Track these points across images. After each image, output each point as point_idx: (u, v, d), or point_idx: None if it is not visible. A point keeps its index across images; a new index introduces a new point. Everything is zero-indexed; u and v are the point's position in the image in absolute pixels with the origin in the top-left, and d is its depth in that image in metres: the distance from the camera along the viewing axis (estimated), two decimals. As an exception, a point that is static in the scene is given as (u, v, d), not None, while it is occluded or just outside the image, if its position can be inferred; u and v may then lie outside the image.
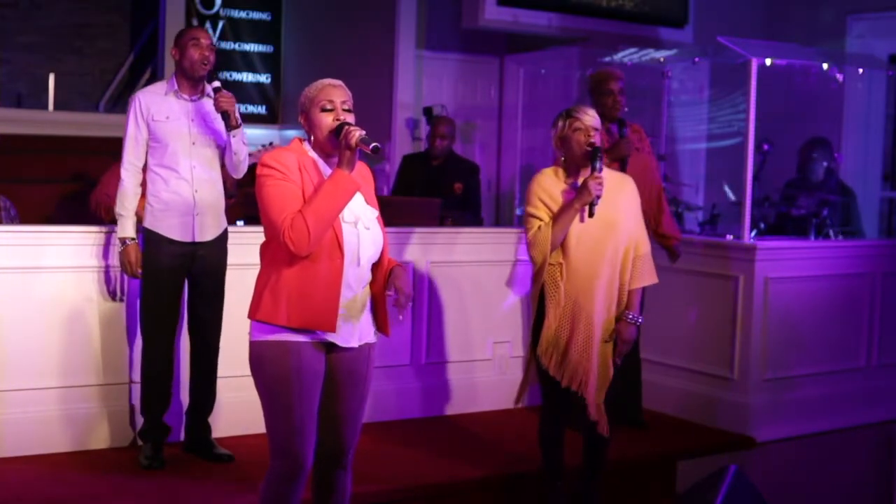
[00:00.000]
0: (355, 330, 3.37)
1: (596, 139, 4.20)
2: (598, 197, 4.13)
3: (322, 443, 3.43)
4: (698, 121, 8.33)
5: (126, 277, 4.76)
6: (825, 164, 6.80)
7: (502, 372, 5.94)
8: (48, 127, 7.97)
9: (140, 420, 4.78)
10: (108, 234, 4.86)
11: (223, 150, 4.66)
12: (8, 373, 4.68)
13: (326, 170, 3.35)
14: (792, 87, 7.12)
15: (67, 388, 4.81)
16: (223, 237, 4.73)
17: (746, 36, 7.26)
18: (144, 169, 4.62)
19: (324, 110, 3.32)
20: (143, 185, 4.63)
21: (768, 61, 5.90)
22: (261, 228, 3.37)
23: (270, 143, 6.00)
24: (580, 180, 4.23)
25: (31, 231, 4.79)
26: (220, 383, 4.87)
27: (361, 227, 3.32)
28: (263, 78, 9.63)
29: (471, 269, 5.80)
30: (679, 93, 7.75)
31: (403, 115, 8.39)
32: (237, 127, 4.57)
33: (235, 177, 4.78)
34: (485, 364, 5.90)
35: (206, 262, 4.67)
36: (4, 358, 4.67)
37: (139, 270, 4.58)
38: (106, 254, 4.86)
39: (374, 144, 3.20)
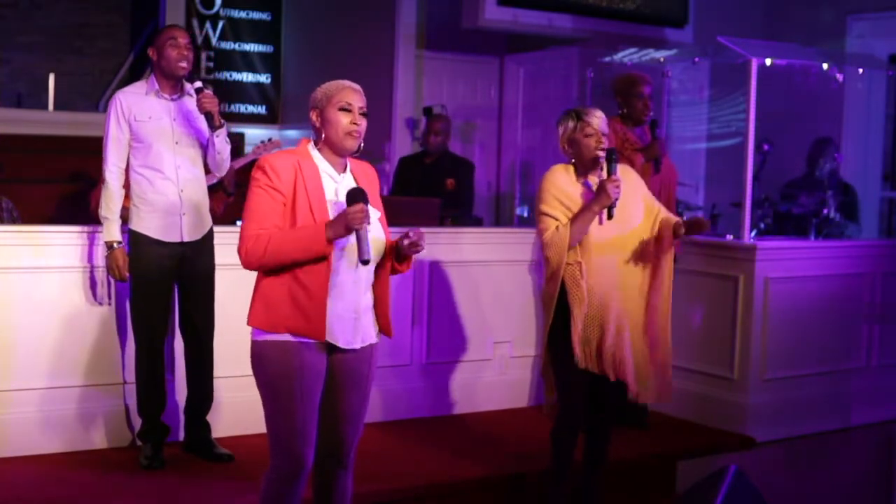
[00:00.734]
0: (358, 331, 3.37)
1: (605, 144, 4.21)
2: (617, 199, 4.15)
3: (323, 442, 3.43)
4: (698, 121, 8.33)
5: (113, 280, 4.74)
6: (832, 164, 6.81)
7: (503, 372, 5.94)
8: (48, 127, 7.97)
9: (136, 420, 4.78)
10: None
11: (206, 149, 4.64)
12: (8, 373, 4.68)
13: (326, 173, 3.35)
14: (792, 87, 7.11)
15: (67, 388, 4.82)
16: (209, 236, 4.72)
17: (746, 36, 7.26)
18: (127, 170, 4.60)
19: (342, 110, 3.32)
20: (126, 186, 4.60)
21: (768, 61, 5.90)
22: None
23: (270, 139, 5.98)
24: (591, 180, 4.25)
25: (32, 231, 4.79)
26: (219, 383, 4.87)
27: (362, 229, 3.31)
28: (263, 78, 9.63)
29: (471, 269, 5.80)
30: (679, 93, 7.74)
31: (403, 115, 8.39)
32: (220, 127, 4.56)
33: (218, 175, 4.77)
34: (485, 364, 5.90)
35: (195, 262, 4.66)
36: (5, 358, 4.67)
37: (126, 274, 4.57)
38: (101, 254, 4.84)
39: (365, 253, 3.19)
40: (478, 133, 9.09)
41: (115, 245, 4.55)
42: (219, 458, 4.76)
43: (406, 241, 3.34)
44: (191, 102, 4.63)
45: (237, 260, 4.80)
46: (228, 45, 9.45)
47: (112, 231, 4.55)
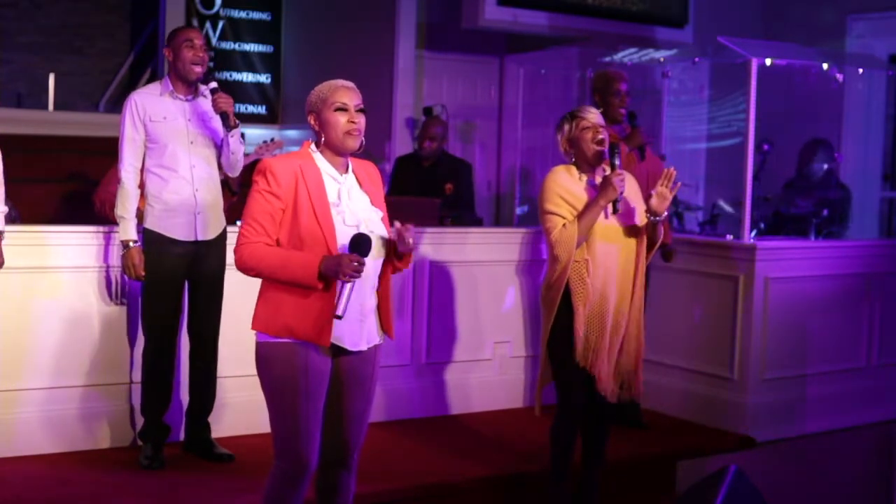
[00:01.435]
0: (363, 333, 3.37)
1: (604, 135, 4.23)
2: (622, 192, 4.17)
3: (326, 443, 3.43)
4: (698, 121, 8.32)
5: (126, 279, 4.75)
6: (825, 165, 6.80)
7: (502, 372, 5.95)
8: (48, 127, 7.97)
9: (140, 420, 4.78)
10: (110, 235, 4.86)
11: (220, 149, 4.67)
12: (9, 373, 4.68)
13: (333, 172, 3.35)
14: (792, 87, 7.12)
15: (68, 388, 4.82)
16: (223, 235, 4.74)
17: (746, 36, 7.27)
18: (141, 170, 4.62)
19: (337, 110, 3.32)
20: (141, 185, 4.63)
21: (768, 61, 5.90)
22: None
23: (272, 139, 5.98)
24: (595, 178, 4.27)
25: (32, 231, 4.79)
26: (221, 383, 4.87)
27: (364, 230, 3.31)
28: (263, 78, 9.63)
29: (471, 268, 5.80)
30: (679, 93, 7.74)
31: (403, 115, 8.39)
32: (235, 127, 4.58)
33: (231, 175, 4.79)
34: (485, 364, 5.90)
35: (208, 261, 4.67)
36: (6, 358, 4.67)
37: (142, 273, 4.58)
38: (107, 254, 4.86)
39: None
40: (478, 133, 9.09)
41: (130, 244, 4.57)
42: (219, 458, 4.76)
43: (395, 236, 3.32)
44: (205, 103, 4.65)
45: (237, 260, 4.84)
46: (228, 45, 9.45)
47: (128, 230, 4.57)
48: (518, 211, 8.68)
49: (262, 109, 9.60)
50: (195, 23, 9.16)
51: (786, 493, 5.67)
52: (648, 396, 5.84)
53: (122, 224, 4.57)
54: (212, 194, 4.66)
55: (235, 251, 3.29)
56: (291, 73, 9.60)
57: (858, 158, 8.13)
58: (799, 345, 5.92)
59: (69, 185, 7.15)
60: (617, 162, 4.23)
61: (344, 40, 8.84)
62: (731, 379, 5.79)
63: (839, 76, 6.67)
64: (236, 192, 5.23)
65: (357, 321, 3.33)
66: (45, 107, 8.74)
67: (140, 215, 4.62)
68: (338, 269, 3.16)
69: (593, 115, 4.28)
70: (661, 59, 7.14)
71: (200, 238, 4.63)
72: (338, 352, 3.36)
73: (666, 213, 4.27)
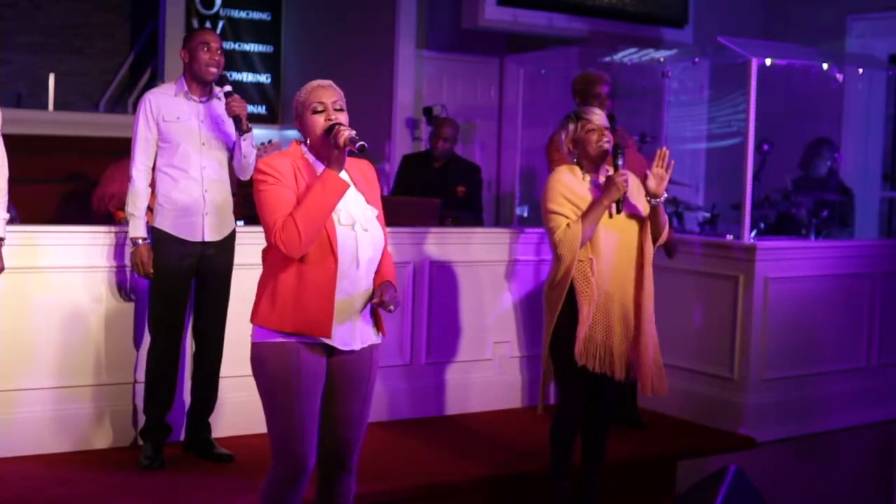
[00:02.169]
0: (356, 332, 3.36)
1: (609, 138, 4.26)
2: (626, 192, 4.18)
3: (325, 445, 3.43)
4: (698, 121, 8.32)
5: (136, 277, 4.76)
6: (828, 163, 6.81)
7: (502, 372, 5.94)
8: (48, 127, 7.98)
9: (142, 419, 4.78)
10: (110, 235, 4.87)
11: (231, 152, 4.68)
12: (9, 373, 4.68)
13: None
14: (792, 87, 7.11)
15: (68, 388, 4.82)
16: (231, 237, 4.75)
17: (746, 36, 7.26)
18: (152, 169, 4.64)
19: (315, 112, 3.33)
20: (151, 184, 4.65)
21: (768, 61, 5.90)
22: (259, 229, 3.38)
23: (270, 141, 5.99)
24: (598, 178, 4.28)
25: (32, 231, 4.80)
26: (221, 383, 4.87)
27: (359, 229, 3.31)
28: (263, 78, 9.64)
29: (471, 269, 5.80)
30: (679, 93, 7.74)
31: (403, 115, 8.39)
32: (248, 131, 4.59)
33: (243, 178, 4.79)
34: (485, 364, 5.90)
35: (214, 262, 4.68)
36: (5, 358, 4.67)
37: (151, 270, 4.59)
38: (107, 254, 4.86)
39: (360, 143, 3.21)
40: (478, 133, 9.09)
41: (140, 241, 4.58)
42: (219, 458, 4.76)
43: (376, 300, 3.32)
44: (219, 106, 4.67)
45: (239, 260, 4.85)
46: (228, 45, 9.45)
47: (138, 227, 4.58)
48: (518, 211, 8.68)
49: (262, 109, 9.60)
50: (195, 23, 9.16)
51: (786, 493, 5.66)
52: (649, 396, 5.85)
53: (132, 222, 4.59)
54: (221, 196, 4.67)
55: (275, 241, 3.21)
56: (291, 73, 9.60)
57: (858, 158, 8.12)
58: (799, 345, 5.92)
59: (69, 185, 7.16)
60: (620, 162, 4.23)
61: (344, 40, 8.84)
62: (731, 379, 5.79)
63: (839, 76, 6.67)
64: (235, 193, 5.24)
65: (350, 319, 3.33)
66: (45, 107, 8.75)
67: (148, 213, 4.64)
68: (334, 144, 3.23)
69: (598, 117, 4.29)
70: (661, 59, 7.13)
71: (207, 239, 4.64)
72: (332, 351, 3.36)
73: (665, 195, 4.27)
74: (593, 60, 7.37)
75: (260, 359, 3.33)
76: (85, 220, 5.03)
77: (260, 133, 8.95)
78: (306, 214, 3.19)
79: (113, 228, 4.93)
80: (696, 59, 7.18)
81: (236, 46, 9.48)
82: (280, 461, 3.35)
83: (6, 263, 4.63)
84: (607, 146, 4.24)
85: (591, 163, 4.29)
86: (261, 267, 3.40)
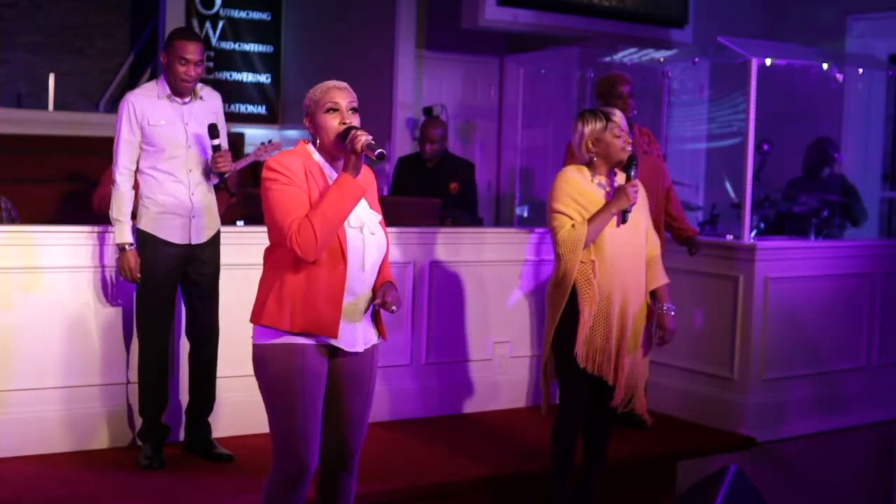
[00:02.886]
0: (359, 333, 3.36)
1: (630, 144, 4.26)
2: (634, 203, 4.18)
3: (327, 446, 3.43)
4: (698, 121, 8.33)
5: (121, 280, 4.75)
6: (831, 163, 6.81)
7: (503, 372, 5.94)
8: (48, 127, 7.98)
9: (138, 420, 4.78)
10: (109, 235, 4.85)
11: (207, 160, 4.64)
12: (9, 373, 4.68)
13: (331, 173, 3.33)
14: (792, 87, 7.11)
15: (68, 388, 4.82)
16: (216, 237, 4.73)
17: (746, 36, 7.26)
18: (136, 171, 4.60)
19: (328, 111, 3.30)
20: (135, 186, 4.61)
21: (768, 61, 5.90)
22: (260, 229, 3.36)
23: (270, 141, 5.98)
24: (604, 181, 4.26)
25: (32, 231, 4.79)
26: (219, 383, 4.87)
27: (367, 233, 3.31)
28: (263, 78, 9.63)
29: (471, 268, 5.80)
30: (679, 93, 7.75)
31: (403, 115, 8.39)
32: (233, 196, 4.68)
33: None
34: (485, 364, 5.90)
35: (202, 263, 4.66)
36: (5, 358, 4.67)
37: (138, 276, 4.57)
38: (106, 254, 4.85)
39: (379, 151, 3.18)
40: (478, 133, 9.09)
41: (126, 247, 4.55)
42: (219, 458, 4.76)
43: (378, 301, 3.32)
44: (203, 106, 4.63)
45: (238, 260, 4.85)
46: (228, 45, 9.45)
47: (123, 233, 4.55)
48: (518, 211, 8.68)
49: (262, 109, 9.60)
50: (195, 23, 9.16)
51: (786, 493, 5.66)
52: (648, 396, 5.85)
53: (117, 227, 4.55)
54: (207, 197, 4.65)
55: (290, 244, 3.17)
56: (291, 73, 9.60)
57: (858, 158, 8.12)
58: (799, 345, 5.92)
59: (69, 185, 7.16)
60: (633, 172, 4.22)
61: (344, 40, 8.84)
62: (732, 379, 5.79)
63: (839, 76, 6.67)
64: (234, 193, 5.24)
65: (353, 322, 3.33)
66: (45, 107, 8.74)
67: (133, 215, 4.61)
68: (351, 149, 3.19)
69: (622, 121, 4.26)
70: (661, 59, 7.14)
71: (194, 241, 4.62)
72: (334, 352, 3.36)
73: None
74: (593, 60, 7.37)
75: (263, 360, 3.32)
76: (85, 220, 5.01)
77: (260, 133, 8.98)
78: (324, 219, 3.16)
79: (112, 228, 4.92)
80: (696, 59, 7.18)
81: (236, 46, 9.49)
82: (282, 462, 3.35)
83: (6, 263, 4.64)
84: (629, 153, 4.24)
85: (607, 165, 4.27)
86: (256, 267, 3.39)
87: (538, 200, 8.15)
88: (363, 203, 3.36)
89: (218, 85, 9.04)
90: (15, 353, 4.69)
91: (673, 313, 4.36)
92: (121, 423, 4.92)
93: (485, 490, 4.80)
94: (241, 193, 5.80)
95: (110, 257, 4.83)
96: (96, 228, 4.87)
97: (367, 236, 3.31)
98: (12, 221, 5.58)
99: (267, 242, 3.35)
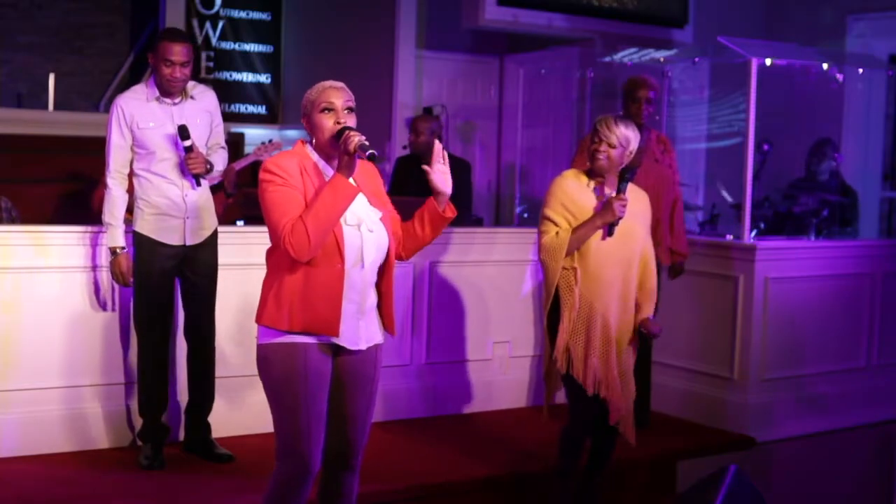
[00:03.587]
0: (362, 332, 3.37)
1: (606, 154, 4.23)
2: (620, 218, 4.17)
3: (329, 445, 3.43)
4: (698, 121, 8.32)
5: (116, 285, 4.74)
6: (832, 164, 6.81)
7: (503, 372, 5.95)
8: (48, 127, 7.98)
9: (138, 420, 4.78)
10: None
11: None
12: (9, 373, 4.68)
13: (328, 172, 3.33)
14: (792, 87, 7.11)
15: (68, 388, 4.82)
16: (213, 237, 4.72)
17: (746, 36, 7.25)
18: (130, 172, 4.60)
19: (323, 111, 3.31)
20: (129, 189, 4.60)
21: (768, 61, 5.90)
22: (259, 229, 3.37)
23: (270, 140, 5.99)
24: (605, 189, 4.25)
25: (32, 231, 4.79)
26: (220, 383, 4.87)
27: (364, 230, 3.31)
28: (263, 78, 9.63)
29: (471, 269, 5.81)
30: (679, 93, 7.74)
31: (403, 115, 8.38)
32: (228, 192, 4.60)
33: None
34: (485, 364, 5.90)
35: (198, 263, 4.66)
36: (5, 358, 4.67)
37: (130, 280, 4.57)
38: (107, 253, 4.84)
39: (370, 152, 3.19)
40: (478, 133, 9.09)
41: (118, 251, 4.55)
42: (219, 458, 4.76)
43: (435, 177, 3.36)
44: (194, 105, 4.62)
45: (238, 260, 4.85)
46: (228, 45, 9.45)
47: (116, 237, 4.54)
48: (518, 211, 8.68)
49: (262, 109, 9.60)
50: (195, 23, 9.16)
51: (786, 493, 5.67)
52: (650, 397, 5.85)
53: (109, 231, 4.55)
54: (202, 198, 4.63)
55: (283, 245, 3.18)
56: (291, 73, 9.60)
57: (858, 158, 8.12)
58: (799, 345, 5.92)
59: (69, 185, 7.16)
60: (624, 186, 4.21)
61: (344, 40, 8.84)
62: (732, 379, 5.79)
63: (839, 76, 6.66)
64: (232, 194, 5.25)
65: (355, 319, 3.33)
66: (45, 107, 8.74)
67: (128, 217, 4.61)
68: (344, 149, 3.19)
69: (608, 132, 4.21)
70: (661, 59, 7.14)
71: (189, 242, 4.61)
72: (337, 351, 3.36)
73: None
74: (593, 60, 7.37)
75: (266, 360, 3.33)
76: (85, 220, 5.01)
77: (260, 133, 8.98)
78: (316, 219, 3.17)
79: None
80: (696, 59, 7.18)
81: (236, 46, 9.48)
82: (286, 462, 3.35)
83: (6, 263, 4.64)
84: (602, 163, 4.20)
85: (596, 173, 4.28)
86: (256, 267, 3.39)
87: (538, 200, 8.14)
88: (362, 200, 3.36)
89: (218, 85, 9.05)
90: (15, 353, 4.70)
91: (654, 320, 4.33)
92: (121, 423, 4.92)
93: (485, 490, 4.80)
94: (240, 193, 5.81)
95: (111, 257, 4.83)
96: (96, 228, 4.86)
97: (366, 233, 3.31)
98: (12, 221, 5.59)
99: (268, 243, 3.35)
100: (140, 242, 4.58)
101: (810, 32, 8.17)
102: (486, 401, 5.87)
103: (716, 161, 8.33)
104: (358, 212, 3.33)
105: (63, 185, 7.19)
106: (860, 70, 7.29)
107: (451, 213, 3.44)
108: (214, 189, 4.73)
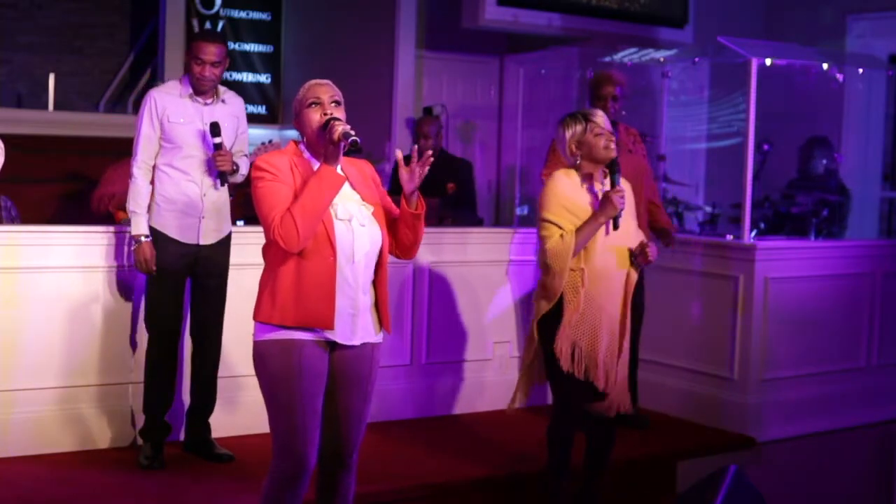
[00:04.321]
0: (356, 327, 3.37)
1: (613, 144, 4.24)
2: (622, 210, 4.16)
3: (325, 442, 3.43)
4: (698, 121, 8.33)
5: (134, 277, 4.76)
6: (825, 162, 6.81)
7: (502, 372, 5.94)
8: (48, 127, 7.97)
9: (139, 420, 4.78)
10: (108, 235, 4.87)
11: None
12: (9, 373, 4.69)
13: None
14: (792, 87, 7.11)
15: (69, 389, 4.82)
16: (227, 239, 4.74)
17: (746, 36, 7.26)
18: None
19: (311, 105, 3.35)
20: (150, 182, 4.63)
21: (768, 61, 5.90)
22: (260, 229, 3.38)
23: (270, 141, 6.00)
24: (595, 184, 4.25)
25: (33, 231, 4.80)
26: (220, 383, 4.87)
27: (356, 224, 3.34)
28: (263, 78, 9.63)
29: (471, 269, 5.80)
30: (679, 93, 7.74)
31: (403, 115, 8.39)
32: (229, 193, 4.67)
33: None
34: (485, 364, 5.90)
35: (209, 263, 4.68)
36: (6, 358, 4.67)
37: (154, 267, 4.58)
38: (106, 254, 4.86)
39: (353, 138, 3.23)
40: (478, 133, 9.09)
41: (142, 238, 4.57)
42: (219, 458, 4.76)
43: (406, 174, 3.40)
44: (224, 108, 4.67)
45: (239, 260, 4.85)
46: (228, 45, 9.43)
47: (140, 225, 4.57)
48: (518, 211, 8.69)
49: (262, 109, 9.60)
50: (195, 23, 9.15)
51: (786, 493, 5.66)
52: (648, 396, 5.85)
53: (133, 219, 4.58)
54: (220, 200, 4.68)
55: (273, 237, 3.23)
56: (291, 73, 9.60)
57: (858, 158, 8.12)
58: (799, 345, 5.92)
59: (69, 185, 7.17)
60: (617, 178, 4.22)
61: (344, 40, 8.84)
62: (732, 379, 5.79)
63: (839, 76, 6.66)
64: (232, 195, 5.25)
65: (349, 315, 3.33)
66: (45, 107, 8.74)
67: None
68: (329, 139, 3.22)
69: (603, 120, 4.27)
70: (661, 59, 7.13)
71: (203, 242, 4.64)
72: (334, 348, 3.36)
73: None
74: (593, 60, 7.37)
75: (262, 356, 3.34)
76: (85, 220, 5.02)
77: (260, 133, 8.97)
78: (303, 209, 3.21)
79: (112, 228, 4.93)
80: (696, 59, 7.18)
81: (236, 46, 9.48)
82: (281, 460, 3.36)
83: (6, 263, 4.64)
84: (614, 153, 4.22)
85: (593, 165, 4.27)
86: (257, 266, 3.40)
87: (537, 201, 8.15)
88: (354, 196, 3.38)
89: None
90: (16, 353, 4.70)
91: (652, 247, 4.28)
92: (121, 423, 4.92)
93: (483, 490, 4.81)
94: (240, 194, 5.81)
95: (115, 257, 4.83)
96: (97, 229, 4.88)
97: (357, 228, 3.33)
98: (12, 221, 5.59)
99: (265, 240, 3.37)
100: (154, 237, 4.60)
101: (810, 32, 8.17)
102: (486, 401, 5.87)
103: (716, 161, 8.33)
104: (349, 207, 3.35)
105: (63, 186, 7.19)
106: (860, 70, 7.29)
107: (420, 208, 3.48)
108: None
